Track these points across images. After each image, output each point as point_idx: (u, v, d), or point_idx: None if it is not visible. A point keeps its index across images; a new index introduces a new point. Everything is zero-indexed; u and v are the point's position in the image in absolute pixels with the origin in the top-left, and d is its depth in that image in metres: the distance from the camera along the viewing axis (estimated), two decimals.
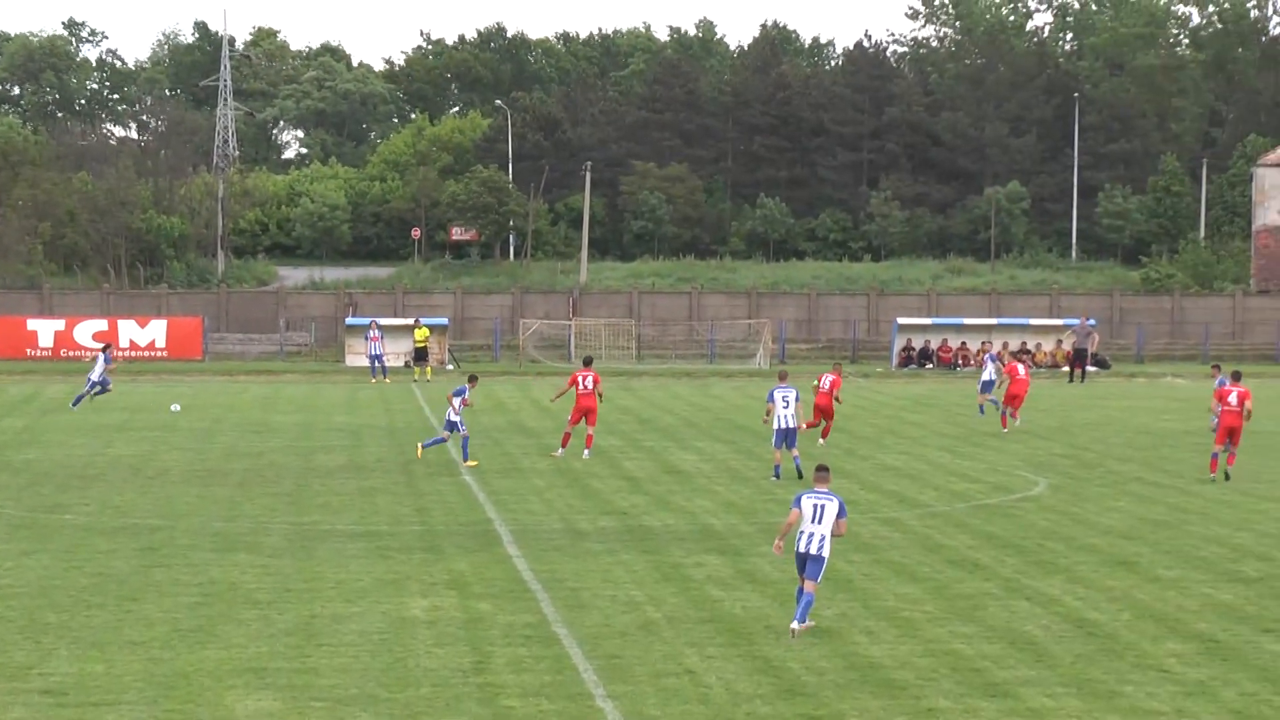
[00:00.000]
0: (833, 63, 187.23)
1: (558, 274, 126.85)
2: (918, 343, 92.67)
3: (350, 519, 35.00)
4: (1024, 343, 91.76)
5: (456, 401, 45.00)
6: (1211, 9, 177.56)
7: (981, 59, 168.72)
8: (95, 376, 62.62)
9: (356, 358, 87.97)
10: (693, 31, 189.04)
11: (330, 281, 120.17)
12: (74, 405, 61.85)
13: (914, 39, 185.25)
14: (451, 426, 44.95)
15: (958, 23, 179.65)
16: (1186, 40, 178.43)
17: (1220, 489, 40.41)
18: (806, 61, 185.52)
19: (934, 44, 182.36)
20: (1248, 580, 28.34)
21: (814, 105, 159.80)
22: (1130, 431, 54.89)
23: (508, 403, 66.30)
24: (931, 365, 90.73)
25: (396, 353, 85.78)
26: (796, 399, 41.73)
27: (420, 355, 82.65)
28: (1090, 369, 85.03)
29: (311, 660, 22.34)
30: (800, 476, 41.02)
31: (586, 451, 46.73)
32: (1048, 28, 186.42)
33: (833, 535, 24.17)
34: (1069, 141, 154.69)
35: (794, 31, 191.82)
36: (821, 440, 49.60)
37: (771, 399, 41.90)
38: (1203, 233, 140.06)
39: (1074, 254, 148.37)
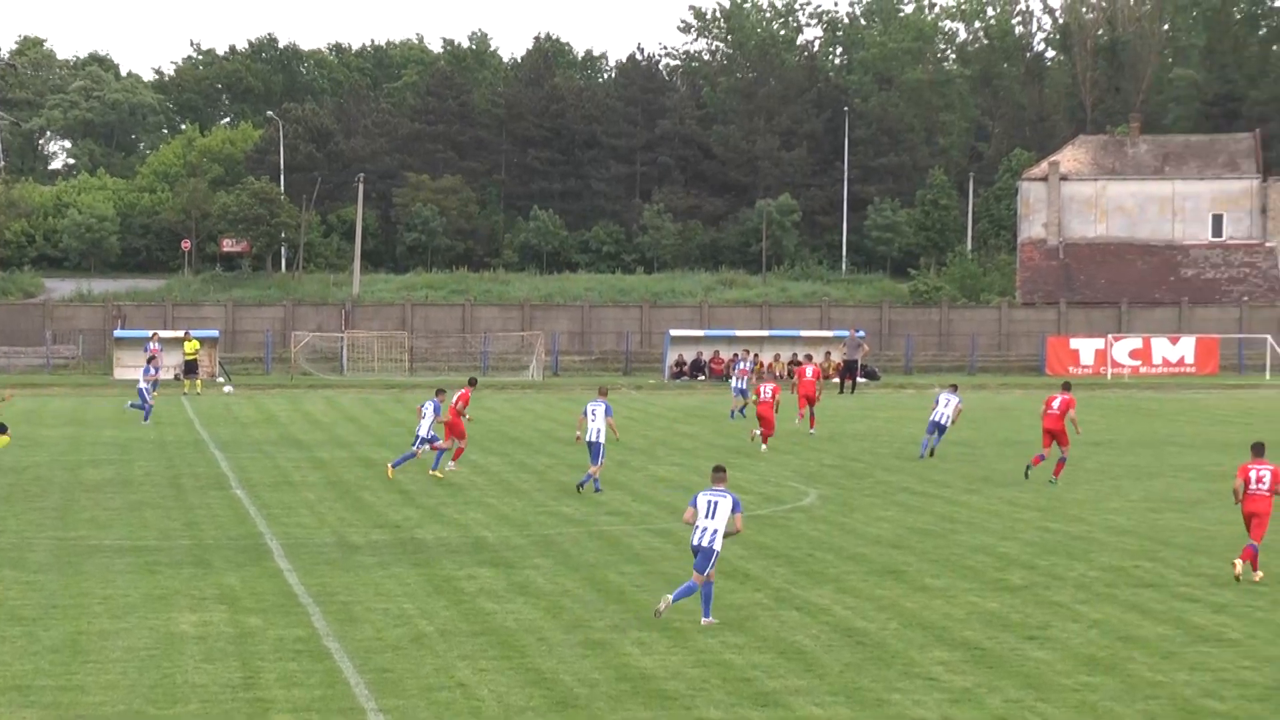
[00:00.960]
0: (605, 75, 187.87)
1: (330, 286, 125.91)
2: (690, 355, 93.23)
3: (118, 534, 34.46)
4: (794, 354, 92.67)
5: (429, 412, 44.45)
6: (978, 25, 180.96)
7: (753, 73, 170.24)
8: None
9: (126, 370, 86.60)
10: (466, 43, 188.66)
11: (98, 294, 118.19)
12: None
13: (686, 52, 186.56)
14: (424, 441, 44.46)
15: (729, 36, 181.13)
16: (954, 56, 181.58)
17: (986, 499, 41.08)
18: (579, 74, 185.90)
19: (706, 57, 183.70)
20: (1013, 588, 28.84)
21: (587, 118, 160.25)
22: (899, 442, 55.65)
23: (279, 415, 65.67)
24: (704, 377, 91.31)
25: (168, 365, 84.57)
26: (607, 413, 41.67)
27: (190, 368, 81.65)
28: (860, 380, 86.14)
29: (78, 677, 21.95)
30: (581, 489, 41.32)
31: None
32: (818, 42, 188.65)
33: (729, 532, 25.53)
34: (839, 155, 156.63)
35: (567, 44, 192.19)
36: (764, 446, 51.97)
37: (585, 413, 41.85)
38: (970, 245, 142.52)
39: (844, 266, 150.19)
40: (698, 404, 74.77)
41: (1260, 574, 29.48)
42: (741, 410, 65.05)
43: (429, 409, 44.46)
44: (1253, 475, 29.62)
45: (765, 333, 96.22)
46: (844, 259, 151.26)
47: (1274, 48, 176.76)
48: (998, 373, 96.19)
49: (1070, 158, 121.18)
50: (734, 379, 68.60)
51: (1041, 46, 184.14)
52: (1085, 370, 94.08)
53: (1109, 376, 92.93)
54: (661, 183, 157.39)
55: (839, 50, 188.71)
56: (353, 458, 49.01)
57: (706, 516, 25.50)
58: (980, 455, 51.33)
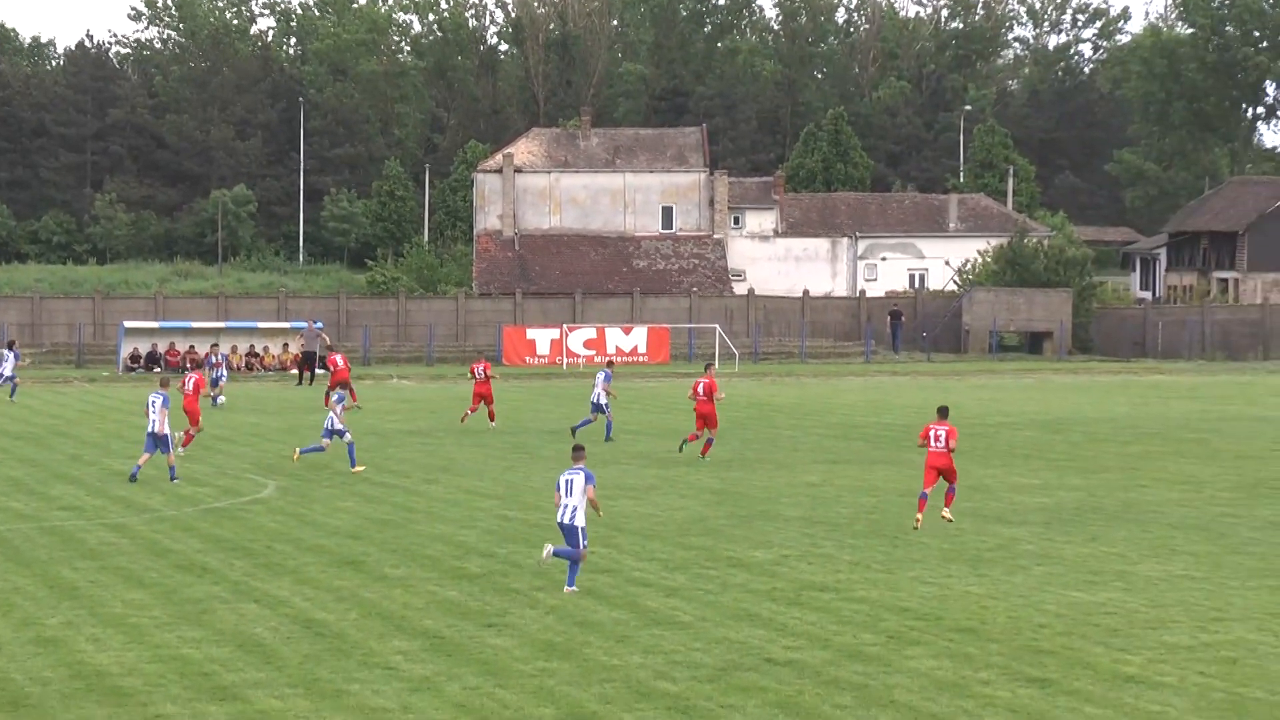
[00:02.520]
0: (54, 63, 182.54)
1: None
2: (145, 346, 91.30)
3: None
4: (252, 345, 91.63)
5: (339, 408, 44.25)
6: (432, 18, 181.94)
7: (206, 62, 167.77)
8: (7, 372, 63.99)
9: None
10: None
11: None
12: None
13: (138, 40, 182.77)
14: (331, 434, 44.53)
15: (181, 25, 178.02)
16: (409, 47, 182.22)
17: (445, 489, 41.34)
18: (26, 61, 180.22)
19: (158, 46, 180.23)
20: (472, 576, 29.08)
21: (35, 105, 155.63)
22: (358, 433, 55.46)
23: None
24: (160, 369, 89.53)
25: None
26: (165, 404, 41.52)
27: None
28: (320, 371, 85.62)
29: None
30: (133, 480, 41.24)
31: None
32: (271, 32, 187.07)
33: (588, 503, 27.57)
34: (295, 145, 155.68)
35: (13, 30, 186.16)
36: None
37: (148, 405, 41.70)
38: (427, 237, 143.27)
39: (301, 257, 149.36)
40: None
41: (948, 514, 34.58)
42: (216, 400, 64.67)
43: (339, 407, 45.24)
44: (932, 434, 33.98)
45: (222, 324, 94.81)
46: (301, 250, 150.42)
47: (718, 44, 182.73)
48: (456, 363, 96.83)
49: (524, 150, 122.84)
50: (208, 371, 67.30)
51: (495, 40, 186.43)
52: (542, 360, 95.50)
53: (565, 366, 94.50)
54: (113, 172, 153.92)
55: (293, 41, 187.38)
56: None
57: (566, 494, 27.57)
58: (439, 445, 51.61)
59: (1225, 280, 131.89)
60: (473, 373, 56.87)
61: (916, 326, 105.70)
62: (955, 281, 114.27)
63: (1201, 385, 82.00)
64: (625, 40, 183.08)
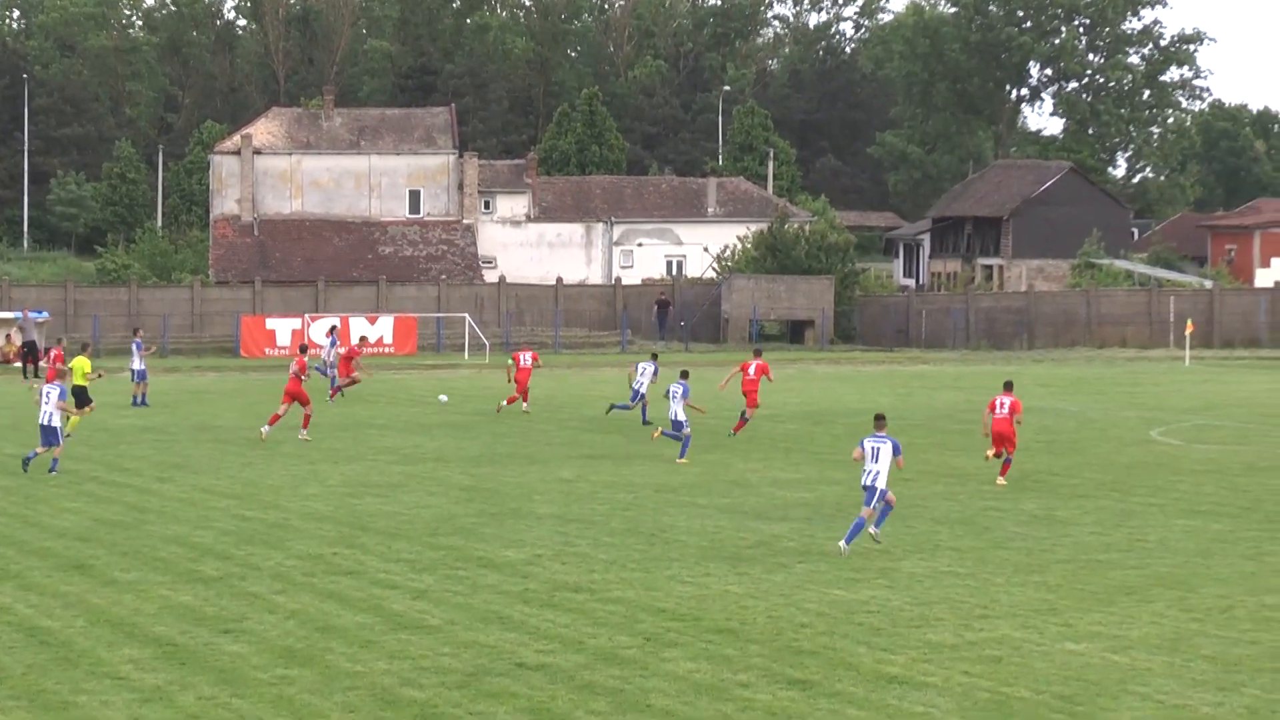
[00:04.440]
0: None
1: None
2: None
3: None
4: None
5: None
6: None
7: None
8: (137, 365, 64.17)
9: None
10: None
11: None
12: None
13: None
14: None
15: None
16: (140, 22, 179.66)
17: (179, 487, 40.79)
18: None
19: None
20: (207, 580, 28.71)
21: None
22: (87, 429, 54.52)
23: None
24: None
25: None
26: (61, 396, 42.80)
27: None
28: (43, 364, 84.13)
29: None
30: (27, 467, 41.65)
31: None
32: None
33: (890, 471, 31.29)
34: (19, 125, 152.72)
35: None
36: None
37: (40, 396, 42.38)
38: (160, 222, 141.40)
39: (26, 243, 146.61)
40: None
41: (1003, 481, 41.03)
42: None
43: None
44: (998, 404, 41.40)
45: None
46: (25, 235, 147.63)
47: (468, 20, 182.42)
48: (191, 355, 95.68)
49: (264, 131, 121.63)
50: None
51: (232, 14, 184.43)
52: (282, 351, 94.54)
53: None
54: None
55: (16, 15, 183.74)
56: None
57: (872, 460, 31.12)
58: (174, 441, 50.92)
59: (990, 267, 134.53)
60: (516, 360, 60.31)
61: (674, 315, 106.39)
62: (714, 269, 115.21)
63: (966, 375, 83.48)
64: (370, 16, 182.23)
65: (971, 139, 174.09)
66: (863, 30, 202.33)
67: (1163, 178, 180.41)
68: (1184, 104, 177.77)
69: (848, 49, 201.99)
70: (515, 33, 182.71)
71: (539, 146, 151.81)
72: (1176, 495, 39.95)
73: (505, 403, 60.07)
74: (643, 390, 54.84)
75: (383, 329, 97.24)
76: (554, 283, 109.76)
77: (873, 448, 31.08)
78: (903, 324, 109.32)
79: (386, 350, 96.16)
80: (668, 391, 47.90)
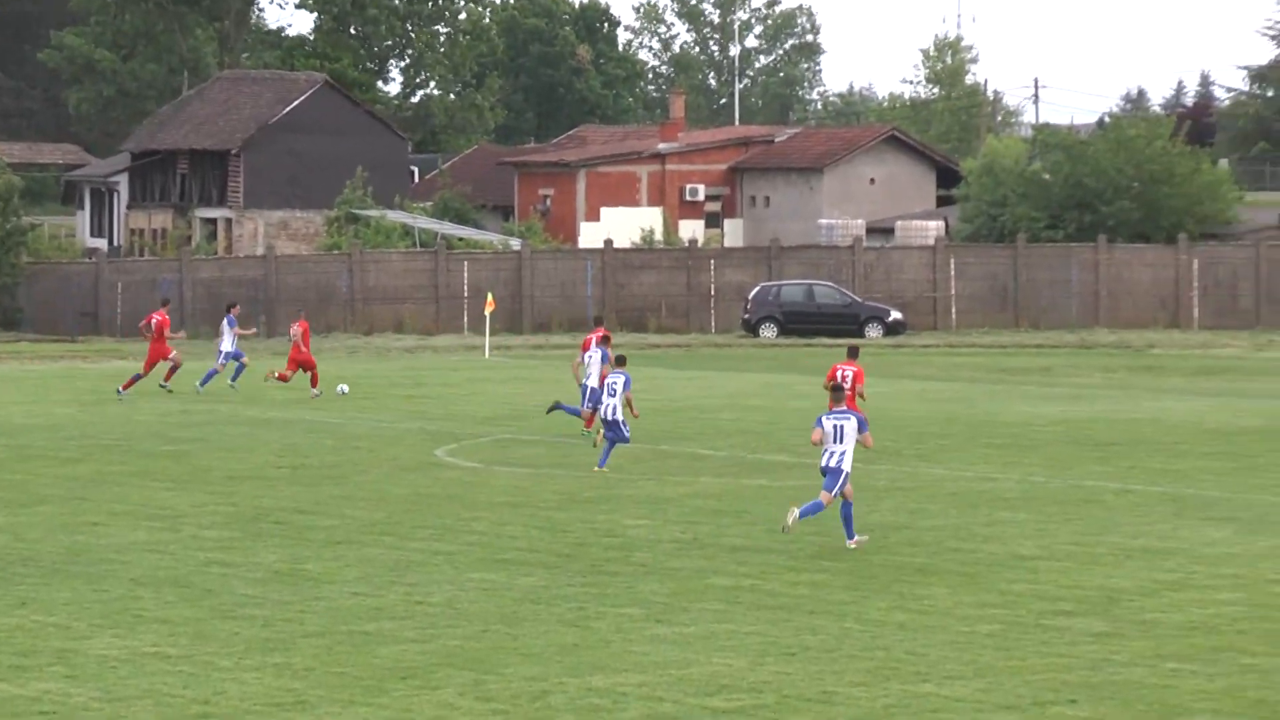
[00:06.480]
0: None
1: None
2: None
3: None
4: None
5: None
6: None
7: None
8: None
9: None
10: None
11: None
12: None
13: None
14: None
15: None
16: None
17: None
18: None
19: None
20: None
21: None
22: None
23: None
24: None
25: None
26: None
27: None
28: None
29: None
30: None
31: None
32: None
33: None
34: None
35: None
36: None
37: None
38: None
39: None
40: None
41: None
42: None
43: None
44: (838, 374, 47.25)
45: None
46: None
47: None
48: None
49: None
50: None
51: None
52: None
53: None
54: None
55: None
56: None
57: (834, 441, 37.30)
58: None
59: (214, 221, 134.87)
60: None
61: None
62: None
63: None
64: None
65: (187, 39, 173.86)
66: None
67: (453, 96, 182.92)
68: None
69: None
70: None
71: None
72: (472, 539, 40.79)
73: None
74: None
75: None
76: None
77: (835, 426, 37.65)
78: (91, 303, 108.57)
79: None
80: None
